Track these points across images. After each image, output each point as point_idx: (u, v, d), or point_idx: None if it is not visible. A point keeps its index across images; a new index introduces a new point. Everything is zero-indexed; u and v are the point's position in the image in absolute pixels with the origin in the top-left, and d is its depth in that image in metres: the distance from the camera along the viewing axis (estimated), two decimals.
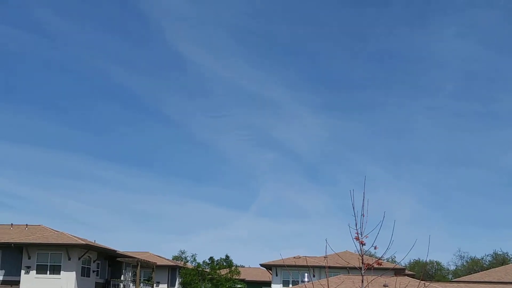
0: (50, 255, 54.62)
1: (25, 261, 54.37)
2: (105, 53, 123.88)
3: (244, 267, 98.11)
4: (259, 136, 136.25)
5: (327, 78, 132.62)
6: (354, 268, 14.51)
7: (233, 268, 69.50)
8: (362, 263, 13.27)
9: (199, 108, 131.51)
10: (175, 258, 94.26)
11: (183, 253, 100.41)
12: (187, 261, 76.25)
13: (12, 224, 60.63)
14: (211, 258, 70.44)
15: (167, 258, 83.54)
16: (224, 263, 69.84)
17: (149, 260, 68.06)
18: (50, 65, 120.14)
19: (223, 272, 68.56)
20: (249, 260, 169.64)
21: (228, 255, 71.05)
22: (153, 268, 66.88)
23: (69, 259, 54.10)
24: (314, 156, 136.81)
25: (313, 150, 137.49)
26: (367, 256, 14.12)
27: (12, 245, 54.17)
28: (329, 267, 56.82)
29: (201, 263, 70.08)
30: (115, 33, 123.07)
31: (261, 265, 66.67)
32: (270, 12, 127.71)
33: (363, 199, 12.54)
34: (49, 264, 54.45)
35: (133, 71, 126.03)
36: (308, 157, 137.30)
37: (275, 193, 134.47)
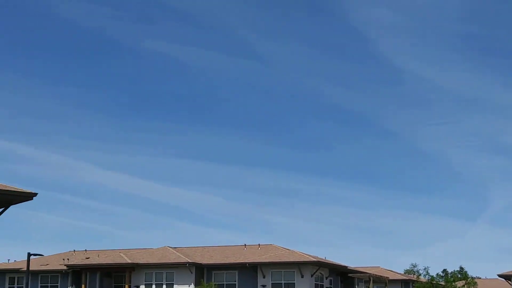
0: (283, 273, 55.73)
1: (260, 280, 55.90)
2: (316, 71, 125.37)
3: (480, 278, 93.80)
4: (486, 142, 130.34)
5: None
6: None
7: (469, 279, 66.54)
8: None
9: (419, 118, 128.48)
10: (407, 271, 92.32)
11: (414, 266, 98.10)
12: (420, 275, 74.27)
13: (245, 245, 62.76)
14: (444, 271, 67.99)
15: (398, 272, 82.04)
16: (459, 275, 67.06)
17: (380, 274, 67.21)
18: (258, 86, 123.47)
19: (459, 284, 65.87)
20: (485, 271, 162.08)
21: (463, 266, 68.13)
22: (385, 283, 65.90)
23: (302, 276, 54.81)
24: None
25: None
26: None
27: (247, 265, 55.98)
28: None
29: (434, 276, 67.88)
30: (325, 50, 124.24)
31: (499, 275, 63.26)
32: (483, 15, 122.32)
33: None
34: (283, 282, 55.55)
35: (345, 86, 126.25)
36: None
37: (508, 201, 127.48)
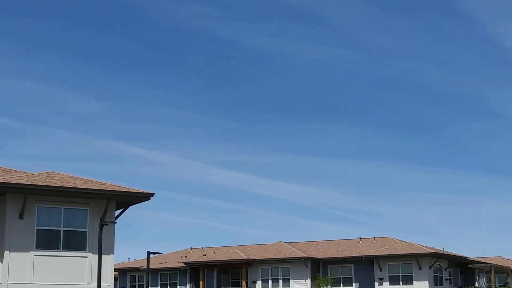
0: (400, 266, 54.83)
1: (377, 273, 55.23)
2: (421, 56, 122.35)
3: None
4: None
5: None
6: None
7: None
8: None
9: None
10: None
11: None
12: None
13: (360, 238, 62.15)
14: None
15: None
16: None
17: (502, 264, 64.99)
18: (358, 75, 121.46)
19: None
20: None
21: None
22: (508, 273, 63.69)
23: (420, 268, 53.77)
24: None
25: None
26: None
27: (363, 258, 55.42)
28: None
29: None
30: (430, 34, 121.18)
31: None
32: None
33: None
34: (400, 274, 54.67)
35: (453, 70, 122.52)
36: None
37: None
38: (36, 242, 25.35)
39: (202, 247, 68.07)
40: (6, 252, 24.80)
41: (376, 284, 55.31)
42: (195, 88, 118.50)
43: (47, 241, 25.68)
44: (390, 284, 54.90)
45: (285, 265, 57.69)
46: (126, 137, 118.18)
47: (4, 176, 26.15)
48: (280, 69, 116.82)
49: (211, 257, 61.20)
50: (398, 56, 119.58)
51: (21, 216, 25.07)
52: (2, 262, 24.82)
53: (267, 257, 58.13)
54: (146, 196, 27.45)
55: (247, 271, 58.54)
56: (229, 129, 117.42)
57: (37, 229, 25.46)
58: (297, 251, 58.34)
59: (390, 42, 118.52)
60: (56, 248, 25.74)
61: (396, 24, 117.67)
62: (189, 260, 61.48)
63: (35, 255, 25.25)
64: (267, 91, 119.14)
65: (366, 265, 55.87)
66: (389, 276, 54.95)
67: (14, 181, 25.08)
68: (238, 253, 59.75)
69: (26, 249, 25.10)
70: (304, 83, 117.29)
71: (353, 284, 57.01)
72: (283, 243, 61.58)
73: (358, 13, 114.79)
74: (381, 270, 55.07)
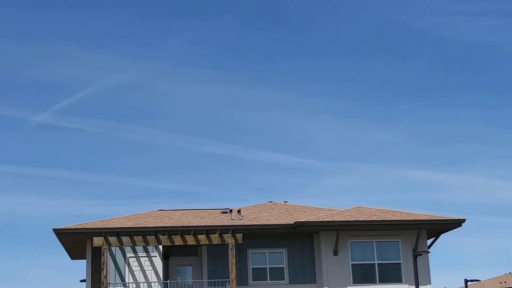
0: None
1: None
2: None
3: None
4: None
5: None
6: None
7: None
8: None
9: None
10: None
11: None
12: None
13: None
14: None
15: None
16: None
17: None
18: None
19: None
20: None
21: None
22: None
23: None
24: None
25: None
26: None
27: None
28: None
29: None
30: None
31: None
32: None
33: None
34: None
35: None
36: None
37: None
38: (352, 277, 25.85)
39: None
40: None
41: None
42: (493, 103, 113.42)
43: (363, 275, 26.08)
44: None
45: None
46: (426, 162, 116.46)
47: (316, 215, 27.15)
48: None
49: None
50: None
51: (335, 253, 25.76)
52: None
53: None
54: (457, 223, 26.75)
55: None
56: None
57: (352, 264, 25.99)
58: None
59: None
60: (372, 281, 26.02)
61: None
62: (510, 286, 58.36)
63: None
64: None
65: None
66: None
67: (326, 219, 25.95)
68: None
69: (343, 285, 25.72)
70: None
71: None
72: None
73: None
74: None
